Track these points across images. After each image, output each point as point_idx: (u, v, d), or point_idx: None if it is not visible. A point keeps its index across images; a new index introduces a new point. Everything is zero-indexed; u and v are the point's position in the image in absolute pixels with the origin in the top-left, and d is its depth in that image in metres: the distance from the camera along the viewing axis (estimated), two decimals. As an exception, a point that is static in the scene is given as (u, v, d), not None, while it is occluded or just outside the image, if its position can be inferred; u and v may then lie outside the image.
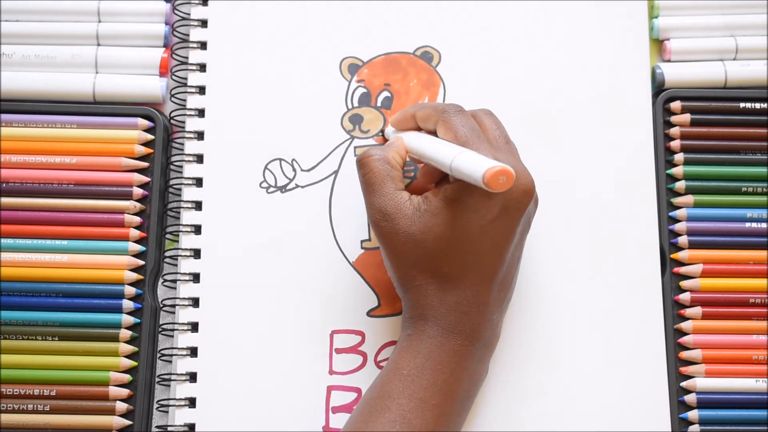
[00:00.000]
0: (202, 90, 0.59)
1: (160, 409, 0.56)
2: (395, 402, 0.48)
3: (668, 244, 0.58)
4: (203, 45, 0.60)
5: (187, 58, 0.60)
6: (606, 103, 0.59)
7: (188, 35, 0.60)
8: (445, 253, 0.48)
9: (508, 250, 0.49)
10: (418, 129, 0.54)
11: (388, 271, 0.51)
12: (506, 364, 0.56)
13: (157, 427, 0.55)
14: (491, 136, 0.51)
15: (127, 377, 0.56)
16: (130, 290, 0.56)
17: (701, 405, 0.55)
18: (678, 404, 0.56)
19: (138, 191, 0.58)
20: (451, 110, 0.51)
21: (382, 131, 0.59)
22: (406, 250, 0.49)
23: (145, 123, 0.59)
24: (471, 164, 0.45)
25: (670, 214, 0.58)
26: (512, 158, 0.50)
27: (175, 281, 0.57)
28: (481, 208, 0.48)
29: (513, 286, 0.53)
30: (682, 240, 0.58)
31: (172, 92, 0.60)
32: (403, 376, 0.49)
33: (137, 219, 0.57)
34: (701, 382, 0.56)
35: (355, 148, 0.59)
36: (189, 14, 0.61)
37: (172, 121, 0.60)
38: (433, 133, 0.52)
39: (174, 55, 0.60)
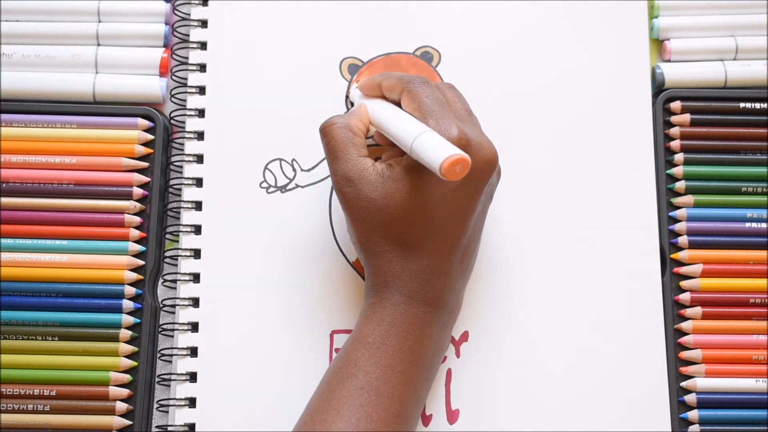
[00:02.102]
0: (202, 90, 0.59)
1: (160, 409, 0.56)
2: (361, 369, 0.48)
3: (668, 244, 0.58)
4: (203, 45, 0.60)
5: (187, 58, 0.60)
6: (606, 103, 0.59)
7: (188, 35, 0.60)
8: (406, 220, 0.49)
9: (470, 219, 0.50)
10: (383, 98, 0.54)
11: (351, 238, 0.52)
12: (506, 364, 0.56)
13: (157, 427, 0.55)
14: (454, 108, 0.51)
15: (127, 377, 0.56)
16: (130, 290, 0.56)
17: (701, 405, 0.55)
18: (678, 404, 0.56)
19: (138, 191, 0.58)
20: (416, 81, 0.51)
21: (347, 97, 0.59)
22: (369, 216, 0.49)
23: (145, 123, 0.59)
24: (429, 151, 0.46)
25: (670, 214, 0.58)
26: (475, 129, 0.50)
27: (175, 281, 0.57)
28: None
29: (475, 255, 0.53)
30: (682, 240, 0.58)
31: (172, 92, 0.60)
32: (368, 344, 0.49)
33: (137, 219, 0.57)
34: (701, 382, 0.56)
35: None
36: (189, 14, 0.61)
37: (172, 121, 0.60)
38: (398, 103, 0.52)
39: (174, 55, 0.60)
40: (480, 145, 0.49)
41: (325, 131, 0.51)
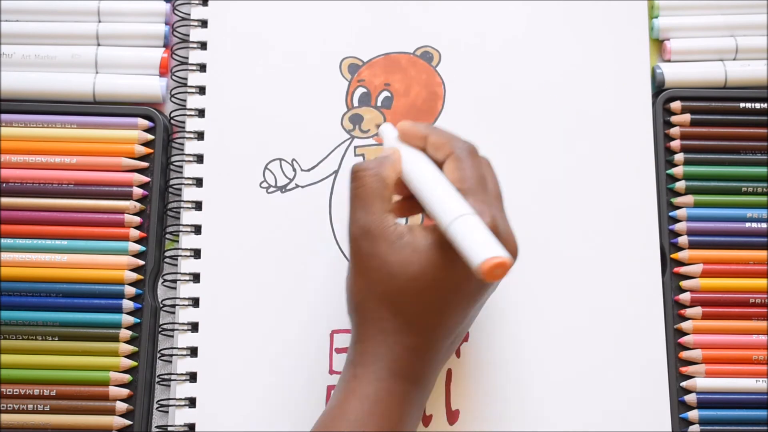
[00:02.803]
0: (202, 90, 0.59)
1: (160, 409, 0.56)
2: None
3: (668, 244, 0.58)
4: (203, 45, 0.60)
5: (187, 58, 0.60)
6: (606, 103, 0.59)
7: (188, 35, 0.60)
8: (415, 295, 0.46)
9: (472, 310, 0.48)
10: (423, 150, 0.50)
11: (347, 293, 0.49)
12: (506, 364, 0.56)
13: (157, 427, 0.55)
14: (491, 189, 0.48)
15: (127, 377, 0.55)
16: (130, 290, 0.56)
17: (701, 405, 0.55)
18: (678, 404, 0.56)
19: (138, 191, 0.58)
20: (466, 150, 0.48)
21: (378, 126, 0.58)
22: (377, 278, 0.46)
23: (145, 123, 0.59)
24: (469, 242, 0.43)
25: (670, 214, 0.58)
26: (503, 218, 0.47)
27: (175, 281, 0.57)
28: (465, 264, 0.44)
29: (462, 339, 0.52)
30: (682, 240, 0.58)
31: (172, 92, 0.60)
32: (350, 422, 0.46)
33: (137, 219, 0.57)
34: (701, 382, 0.56)
35: (355, 147, 0.59)
36: (189, 14, 0.61)
37: (172, 121, 0.60)
38: (439, 163, 0.48)
39: (174, 55, 0.60)
40: (507, 236, 0.46)
41: (357, 176, 0.48)
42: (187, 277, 0.57)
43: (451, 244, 0.44)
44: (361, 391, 0.47)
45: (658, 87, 0.61)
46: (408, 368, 0.47)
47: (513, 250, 0.47)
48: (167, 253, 0.58)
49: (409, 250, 0.46)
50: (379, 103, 0.59)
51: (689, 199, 0.58)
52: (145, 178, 0.58)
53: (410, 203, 0.50)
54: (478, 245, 0.42)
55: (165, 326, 0.57)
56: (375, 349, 0.47)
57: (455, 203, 0.45)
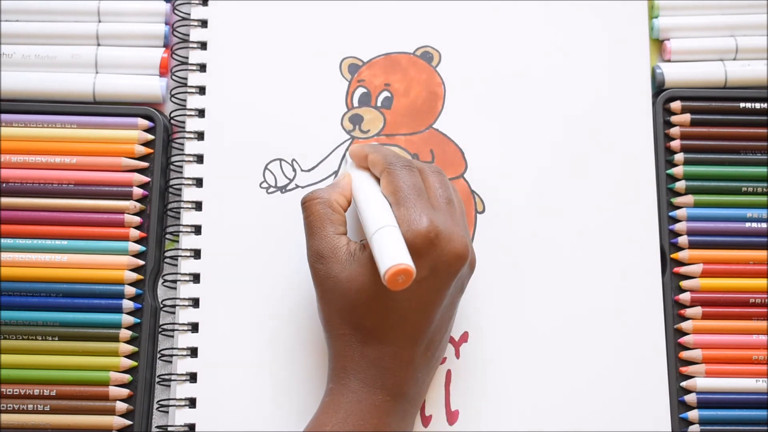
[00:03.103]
0: (202, 90, 0.59)
1: (160, 409, 0.56)
2: None
3: (668, 244, 0.58)
4: (203, 45, 0.60)
5: (187, 58, 0.60)
6: (606, 103, 0.59)
7: (188, 35, 0.60)
8: (367, 306, 0.48)
9: (435, 312, 0.49)
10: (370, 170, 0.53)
11: (319, 316, 0.51)
12: (506, 365, 0.56)
13: (157, 427, 0.55)
14: (433, 195, 0.50)
15: (127, 377, 0.56)
16: (130, 290, 0.56)
17: (701, 405, 0.55)
18: (678, 404, 0.56)
19: (138, 191, 0.58)
20: (398, 164, 0.50)
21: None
22: (334, 296, 0.49)
23: (145, 123, 0.59)
24: (380, 253, 0.45)
25: (670, 214, 0.58)
26: (450, 220, 0.49)
27: (175, 281, 0.57)
28: None
29: (443, 346, 0.52)
30: (682, 240, 0.58)
31: (172, 92, 0.60)
32: None
33: (137, 219, 0.57)
34: (701, 382, 0.56)
35: (355, 148, 0.59)
36: (189, 14, 0.61)
37: (172, 121, 0.60)
38: (378, 180, 0.51)
39: (174, 55, 0.60)
40: (450, 238, 0.48)
41: (305, 206, 0.51)
42: (187, 278, 0.57)
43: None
44: (334, 403, 0.49)
45: (658, 87, 0.61)
46: (378, 379, 0.49)
47: (460, 247, 0.48)
48: (167, 254, 0.58)
49: (357, 266, 0.48)
50: (379, 104, 0.59)
51: (689, 199, 0.58)
52: (145, 178, 0.58)
53: None
54: (384, 256, 0.45)
55: (165, 326, 0.57)
56: (344, 363, 0.49)
57: (379, 217, 0.47)
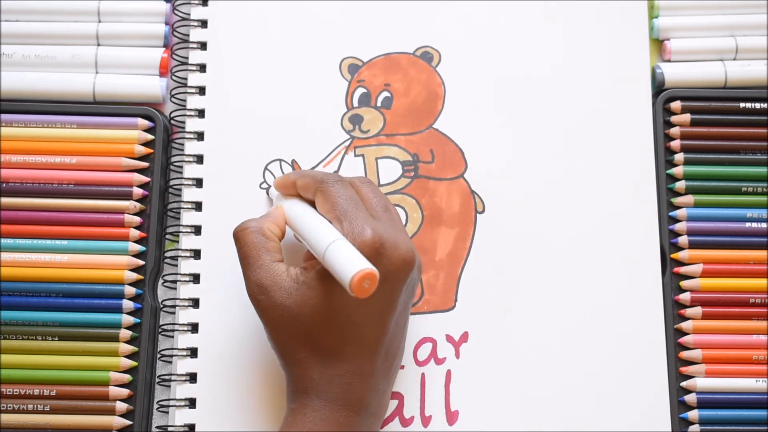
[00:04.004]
0: (202, 90, 0.59)
1: (160, 409, 0.56)
2: None
3: (668, 244, 0.58)
4: (203, 45, 0.60)
5: (187, 58, 0.60)
6: (606, 103, 0.59)
7: (188, 35, 0.60)
8: (323, 326, 0.48)
9: (390, 320, 0.49)
10: (300, 197, 0.53)
11: (270, 345, 0.50)
12: (506, 365, 0.56)
13: (157, 427, 0.55)
14: (370, 205, 0.50)
15: (127, 377, 0.56)
16: (130, 290, 0.56)
17: (701, 405, 0.55)
18: (678, 404, 0.56)
19: (138, 191, 0.58)
20: (329, 180, 0.50)
21: (267, 191, 0.58)
22: (284, 324, 0.48)
23: (145, 123, 0.59)
24: (338, 265, 0.45)
25: (670, 214, 0.58)
26: (391, 227, 0.49)
27: (175, 282, 0.57)
28: None
29: (400, 353, 0.52)
30: (682, 240, 0.58)
31: (172, 92, 0.60)
32: None
33: (137, 219, 0.57)
34: (701, 382, 0.56)
35: (356, 148, 0.59)
36: (189, 14, 0.61)
37: (172, 121, 0.60)
38: (314, 204, 0.51)
39: (174, 55, 0.60)
40: (395, 245, 0.48)
41: (237, 237, 0.50)
42: (187, 278, 0.57)
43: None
44: (297, 424, 0.48)
45: (658, 87, 0.61)
46: (341, 395, 0.48)
47: (406, 253, 0.48)
48: (167, 254, 0.58)
49: (305, 288, 0.48)
50: (379, 104, 0.59)
51: (689, 199, 0.58)
52: (145, 178, 0.58)
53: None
54: (343, 266, 0.45)
55: (165, 327, 0.57)
56: (304, 385, 0.49)
57: (325, 234, 0.47)
